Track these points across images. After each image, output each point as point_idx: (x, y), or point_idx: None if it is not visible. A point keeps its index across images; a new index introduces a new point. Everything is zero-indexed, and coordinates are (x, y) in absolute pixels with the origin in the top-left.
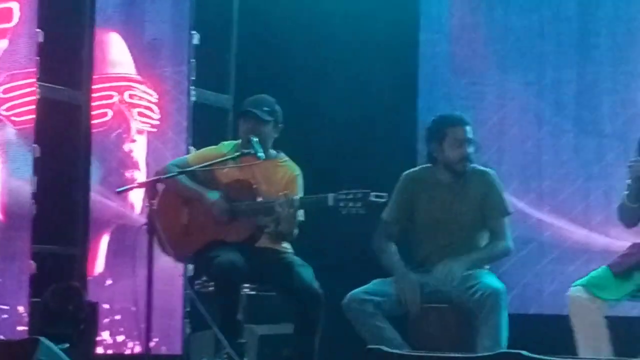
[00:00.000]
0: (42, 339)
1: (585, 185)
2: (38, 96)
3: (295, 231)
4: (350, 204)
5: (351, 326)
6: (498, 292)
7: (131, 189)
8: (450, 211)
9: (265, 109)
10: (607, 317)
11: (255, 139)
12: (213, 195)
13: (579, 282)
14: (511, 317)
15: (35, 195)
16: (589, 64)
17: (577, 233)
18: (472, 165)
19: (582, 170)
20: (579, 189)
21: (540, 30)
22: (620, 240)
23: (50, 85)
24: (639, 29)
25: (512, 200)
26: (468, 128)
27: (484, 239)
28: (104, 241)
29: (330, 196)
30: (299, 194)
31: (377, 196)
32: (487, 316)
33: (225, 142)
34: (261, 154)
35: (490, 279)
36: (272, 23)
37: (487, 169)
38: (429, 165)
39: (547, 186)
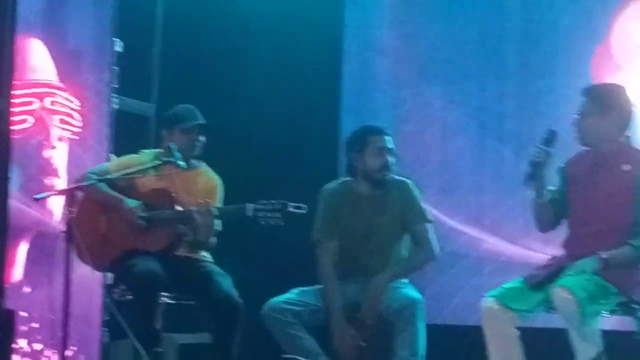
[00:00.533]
0: None
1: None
2: None
3: (213, 240)
4: (269, 215)
5: (270, 335)
6: (415, 303)
7: (50, 196)
8: (371, 223)
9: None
10: (520, 329)
11: (175, 147)
12: (131, 203)
13: (492, 292)
14: (449, 328)
15: None
16: (530, 78)
17: (513, 249)
18: (390, 176)
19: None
20: (517, 204)
21: (481, 44)
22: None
23: None
24: (581, 46)
25: (449, 215)
26: (388, 138)
27: (405, 246)
28: (23, 248)
29: (249, 206)
30: (218, 203)
31: (295, 207)
32: (404, 326)
33: (146, 151)
34: (182, 163)
35: (407, 290)
36: (195, 32)
37: (405, 179)
38: (347, 179)
39: (488, 200)
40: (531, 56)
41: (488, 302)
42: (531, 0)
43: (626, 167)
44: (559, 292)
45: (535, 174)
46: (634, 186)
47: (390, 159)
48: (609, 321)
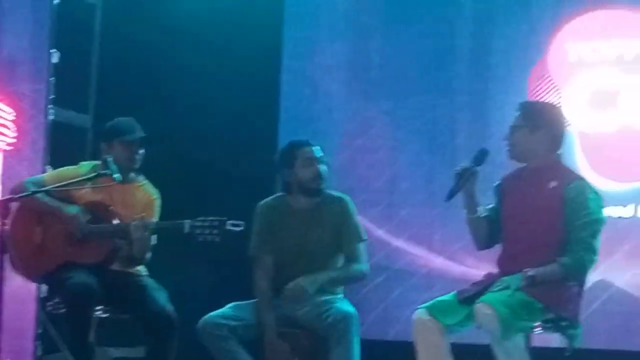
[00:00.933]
0: None
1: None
2: None
3: (148, 255)
4: (207, 232)
5: (206, 350)
6: (349, 317)
7: None
8: (306, 238)
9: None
10: (452, 344)
11: (111, 159)
12: (73, 209)
13: (424, 305)
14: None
15: None
16: (480, 94)
17: (460, 268)
18: (327, 191)
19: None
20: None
21: (431, 59)
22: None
23: None
24: (524, 64)
25: (397, 231)
26: (316, 148)
27: (340, 263)
28: None
29: (187, 223)
30: (155, 217)
31: (233, 224)
32: (338, 340)
33: (84, 163)
34: (117, 176)
35: (342, 304)
36: (133, 44)
37: (342, 195)
38: (283, 194)
39: (438, 216)
40: (481, 72)
41: (419, 313)
42: (482, 16)
43: (553, 184)
44: (480, 308)
45: (458, 189)
46: (560, 203)
47: (322, 167)
48: (539, 338)
